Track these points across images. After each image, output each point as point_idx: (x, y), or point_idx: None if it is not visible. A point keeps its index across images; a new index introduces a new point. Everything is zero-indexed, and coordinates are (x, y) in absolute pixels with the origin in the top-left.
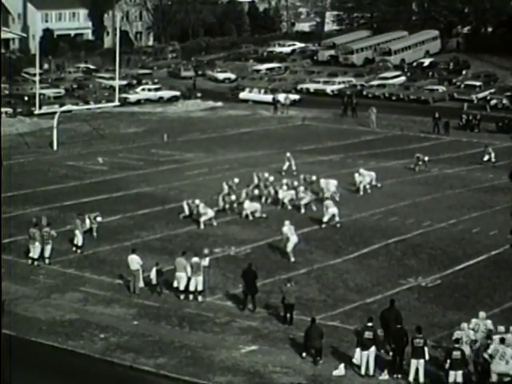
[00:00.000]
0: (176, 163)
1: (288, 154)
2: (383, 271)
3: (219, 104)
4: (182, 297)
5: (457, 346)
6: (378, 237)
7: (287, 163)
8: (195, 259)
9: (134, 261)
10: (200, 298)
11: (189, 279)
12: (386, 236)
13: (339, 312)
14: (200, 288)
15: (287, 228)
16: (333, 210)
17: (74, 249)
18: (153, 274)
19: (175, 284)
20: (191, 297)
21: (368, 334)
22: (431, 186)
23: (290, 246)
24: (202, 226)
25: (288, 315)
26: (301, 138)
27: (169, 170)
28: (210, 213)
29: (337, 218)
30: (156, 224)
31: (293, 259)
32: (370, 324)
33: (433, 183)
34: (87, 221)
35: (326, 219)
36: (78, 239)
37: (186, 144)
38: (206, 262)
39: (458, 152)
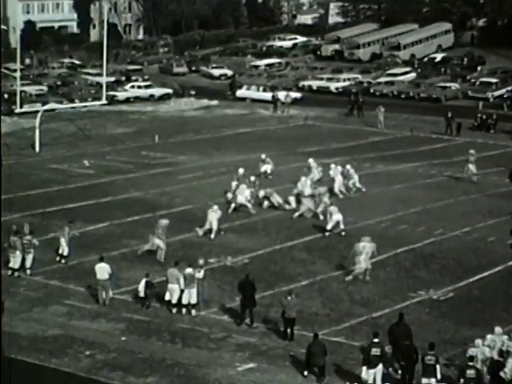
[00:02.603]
0: (168, 166)
1: (263, 156)
2: (391, 283)
3: (214, 102)
4: (174, 310)
5: (471, 364)
6: (386, 246)
7: (265, 166)
8: (189, 270)
9: (104, 270)
10: (194, 312)
11: (182, 292)
12: (394, 245)
13: (344, 327)
14: (194, 301)
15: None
16: (337, 216)
17: (58, 259)
18: (141, 286)
19: (167, 297)
20: (184, 310)
21: (375, 351)
22: (443, 191)
23: (336, 187)
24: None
25: (289, 330)
26: (302, 139)
27: (160, 173)
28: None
29: (341, 226)
30: (146, 232)
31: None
32: (376, 340)
33: (445, 188)
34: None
35: (329, 227)
36: (64, 248)
37: (179, 146)
38: (200, 273)
39: None
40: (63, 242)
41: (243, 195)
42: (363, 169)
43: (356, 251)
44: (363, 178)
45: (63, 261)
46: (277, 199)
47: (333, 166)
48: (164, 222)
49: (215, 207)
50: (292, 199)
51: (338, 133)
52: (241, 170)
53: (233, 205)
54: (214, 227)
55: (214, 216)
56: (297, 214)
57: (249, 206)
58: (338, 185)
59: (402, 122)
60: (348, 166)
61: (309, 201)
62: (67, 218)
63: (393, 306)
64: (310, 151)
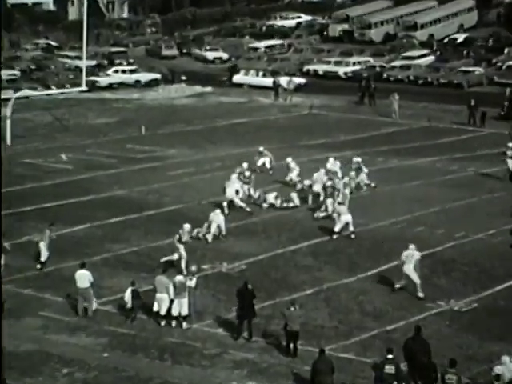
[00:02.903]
0: (156, 161)
1: (261, 149)
2: (407, 292)
3: (208, 89)
4: (163, 323)
5: (497, 383)
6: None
7: (262, 159)
8: (179, 278)
9: (84, 277)
10: (185, 325)
11: (171, 302)
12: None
13: (354, 341)
14: (185, 312)
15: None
16: (346, 217)
17: (38, 266)
18: (127, 296)
19: (155, 308)
20: (174, 323)
21: (389, 369)
22: (466, 189)
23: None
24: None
25: (291, 345)
26: (307, 130)
27: (147, 169)
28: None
29: (351, 228)
30: (132, 235)
31: None
32: (391, 356)
33: (468, 185)
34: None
35: (338, 229)
36: (43, 254)
37: (168, 138)
38: (192, 280)
39: (499, 147)
40: (43, 246)
41: (232, 189)
42: (375, 163)
43: (404, 260)
44: (375, 173)
45: (41, 267)
46: (277, 201)
47: (331, 160)
48: (187, 226)
49: (218, 211)
50: (295, 195)
51: (346, 123)
52: (245, 165)
53: (225, 203)
54: (223, 231)
55: (219, 219)
56: (321, 214)
57: (237, 202)
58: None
59: (418, 111)
60: (357, 159)
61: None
62: (42, 219)
63: (409, 318)
64: (315, 144)
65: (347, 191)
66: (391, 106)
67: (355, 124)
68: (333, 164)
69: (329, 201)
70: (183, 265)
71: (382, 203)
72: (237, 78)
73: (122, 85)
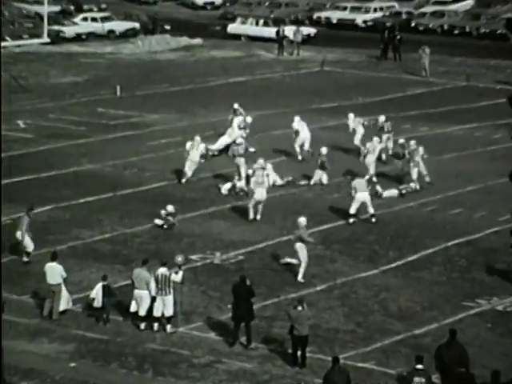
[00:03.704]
0: (134, 129)
1: (236, 106)
2: (440, 288)
3: (198, 41)
4: (142, 326)
5: None
6: (433, 237)
7: (236, 120)
8: (162, 271)
9: (55, 271)
10: (169, 328)
11: (153, 300)
12: (444, 236)
13: (375, 348)
14: (169, 313)
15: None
16: (362, 195)
17: (25, 259)
18: (98, 293)
19: (133, 307)
20: (156, 326)
21: (418, 381)
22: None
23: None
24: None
25: (299, 353)
26: (318, 91)
27: (124, 138)
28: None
29: (370, 209)
30: (104, 218)
31: None
32: (420, 366)
33: None
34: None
35: (353, 210)
36: (28, 244)
37: (150, 100)
38: (178, 274)
39: None
40: (20, 234)
41: (193, 161)
42: (401, 131)
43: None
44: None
45: (26, 259)
46: (273, 177)
47: (351, 115)
48: (303, 220)
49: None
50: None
51: (366, 83)
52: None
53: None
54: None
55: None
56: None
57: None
58: (359, 137)
59: (454, 68)
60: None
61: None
62: None
63: (441, 319)
64: (327, 108)
65: (370, 159)
66: (420, 61)
67: (376, 84)
68: (354, 121)
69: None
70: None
71: (408, 180)
72: (233, 28)
73: (92, 35)
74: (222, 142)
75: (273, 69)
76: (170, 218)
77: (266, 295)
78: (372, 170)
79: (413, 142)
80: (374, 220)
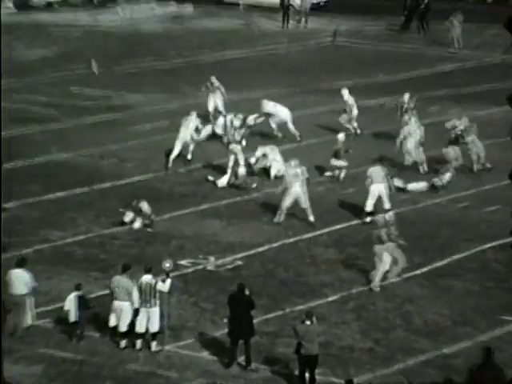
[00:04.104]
0: (113, 111)
1: (213, 80)
2: (473, 299)
3: (188, 9)
4: (123, 343)
5: None
6: (465, 239)
7: (212, 99)
8: (147, 278)
9: (21, 280)
10: (155, 346)
11: (136, 313)
12: (478, 238)
13: (396, 370)
14: (155, 328)
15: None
16: (377, 187)
17: None
18: (71, 304)
19: (112, 322)
20: (139, 343)
21: None
22: None
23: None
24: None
25: (307, 375)
26: (330, 67)
27: (101, 122)
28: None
29: (386, 205)
30: (78, 217)
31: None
32: None
33: None
34: None
35: (369, 206)
36: None
37: (132, 78)
38: (165, 283)
39: None
40: None
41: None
42: (428, 114)
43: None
44: (428, 128)
45: None
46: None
47: (346, 91)
48: (381, 217)
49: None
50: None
51: (385, 58)
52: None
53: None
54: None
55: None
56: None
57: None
58: (347, 117)
59: (490, 40)
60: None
61: None
62: None
63: (475, 335)
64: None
65: (411, 144)
66: (451, 32)
67: (399, 59)
68: (350, 98)
69: None
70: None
71: (434, 171)
72: None
73: (64, 3)
74: (208, 128)
75: (276, 42)
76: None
77: (268, 307)
78: (416, 157)
79: (465, 120)
80: (386, 218)
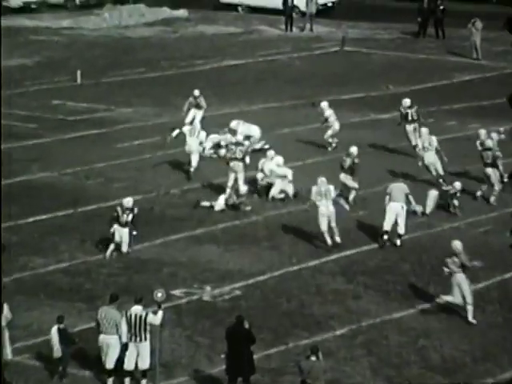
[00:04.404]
0: (100, 126)
1: (196, 93)
2: (495, 333)
3: (182, 13)
4: (110, 382)
5: None
6: (486, 267)
7: (192, 113)
8: (136, 310)
9: None
10: None
11: (124, 348)
12: (500, 265)
13: None
14: (145, 365)
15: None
16: (395, 206)
17: None
18: (53, 339)
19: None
20: (128, 382)
21: None
22: None
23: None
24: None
25: None
26: (337, 78)
27: (86, 138)
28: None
29: (401, 229)
30: (61, 242)
31: None
32: None
33: None
34: None
35: (388, 225)
36: None
37: (120, 89)
38: (157, 315)
39: None
40: None
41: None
42: (445, 129)
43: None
44: (445, 144)
45: None
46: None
47: (325, 104)
48: (459, 244)
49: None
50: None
51: (399, 67)
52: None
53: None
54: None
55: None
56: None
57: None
58: (331, 132)
59: None
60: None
61: None
62: None
63: (498, 373)
64: (349, 99)
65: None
66: (470, 38)
67: (413, 68)
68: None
69: None
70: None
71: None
72: None
73: (44, 5)
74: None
75: (279, 49)
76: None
77: (270, 341)
78: (439, 170)
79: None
80: (398, 243)
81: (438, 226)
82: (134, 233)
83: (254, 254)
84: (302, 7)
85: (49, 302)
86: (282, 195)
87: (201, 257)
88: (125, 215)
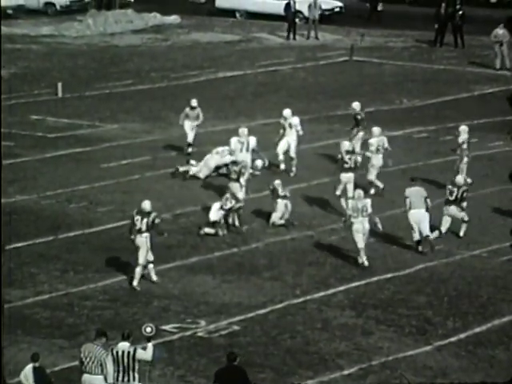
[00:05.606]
0: (83, 144)
1: (194, 103)
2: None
3: (174, 19)
4: None
5: None
6: (509, 299)
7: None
8: (124, 347)
9: None
10: None
11: None
12: None
13: None
14: None
15: None
16: (417, 213)
17: None
18: (28, 379)
19: None
20: None
21: None
22: None
23: None
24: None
25: None
26: (345, 90)
27: (68, 157)
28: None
29: (426, 231)
30: (41, 272)
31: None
32: None
33: None
34: None
35: (417, 236)
36: None
37: (104, 103)
38: (147, 350)
39: None
40: None
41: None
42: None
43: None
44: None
45: None
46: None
47: (288, 111)
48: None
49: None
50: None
51: (413, 78)
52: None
53: None
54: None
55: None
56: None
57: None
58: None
59: None
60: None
61: None
62: None
63: None
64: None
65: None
66: (494, 47)
67: (429, 79)
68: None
69: None
70: None
71: (473, 216)
72: (223, 1)
73: (21, 10)
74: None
75: (281, 59)
76: None
77: (271, 381)
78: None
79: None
80: (431, 244)
81: (457, 253)
82: (165, 234)
83: (254, 284)
84: (306, 12)
85: (26, 339)
86: (283, 221)
87: (195, 288)
88: (145, 219)
